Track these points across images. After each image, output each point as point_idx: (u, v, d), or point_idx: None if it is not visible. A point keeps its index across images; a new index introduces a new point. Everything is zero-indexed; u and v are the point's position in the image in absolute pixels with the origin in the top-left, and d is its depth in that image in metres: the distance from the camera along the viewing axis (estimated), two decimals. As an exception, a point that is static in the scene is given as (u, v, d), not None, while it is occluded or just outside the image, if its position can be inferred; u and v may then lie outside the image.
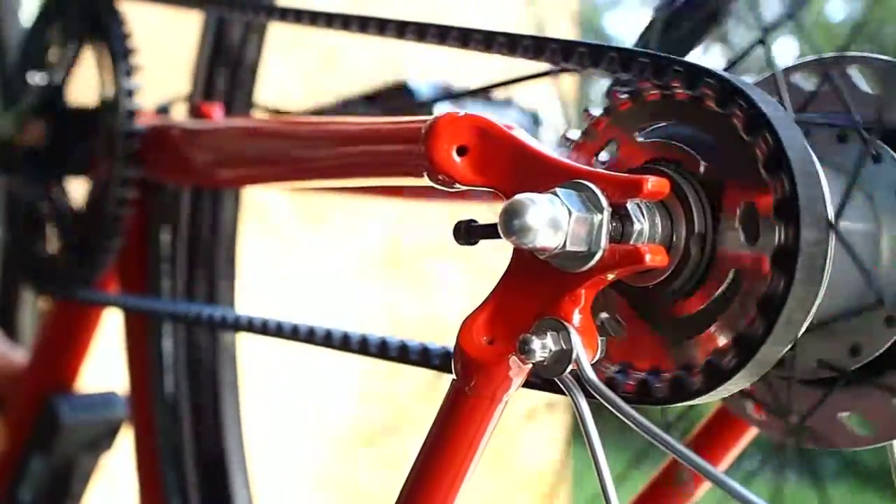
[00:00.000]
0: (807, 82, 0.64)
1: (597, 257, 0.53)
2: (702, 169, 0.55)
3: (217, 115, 0.99)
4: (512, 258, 0.57)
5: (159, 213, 1.03)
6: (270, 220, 2.07)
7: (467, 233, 0.57)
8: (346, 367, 2.25)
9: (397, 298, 2.35)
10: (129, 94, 0.95)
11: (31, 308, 1.42)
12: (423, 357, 0.67)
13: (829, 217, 0.53)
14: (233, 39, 1.05)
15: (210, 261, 1.06)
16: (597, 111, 0.60)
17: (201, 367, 1.06)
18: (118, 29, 0.97)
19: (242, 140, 0.85)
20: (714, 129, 0.55)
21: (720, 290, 0.55)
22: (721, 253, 0.55)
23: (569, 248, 0.53)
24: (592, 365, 0.54)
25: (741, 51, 0.67)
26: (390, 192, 1.02)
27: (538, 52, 0.62)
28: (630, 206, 0.54)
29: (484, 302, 0.57)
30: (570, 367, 0.54)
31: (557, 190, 0.53)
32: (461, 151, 0.57)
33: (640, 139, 0.58)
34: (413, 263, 2.38)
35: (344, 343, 0.72)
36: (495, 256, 0.59)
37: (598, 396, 0.54)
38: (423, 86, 0.88)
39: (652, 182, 0.53)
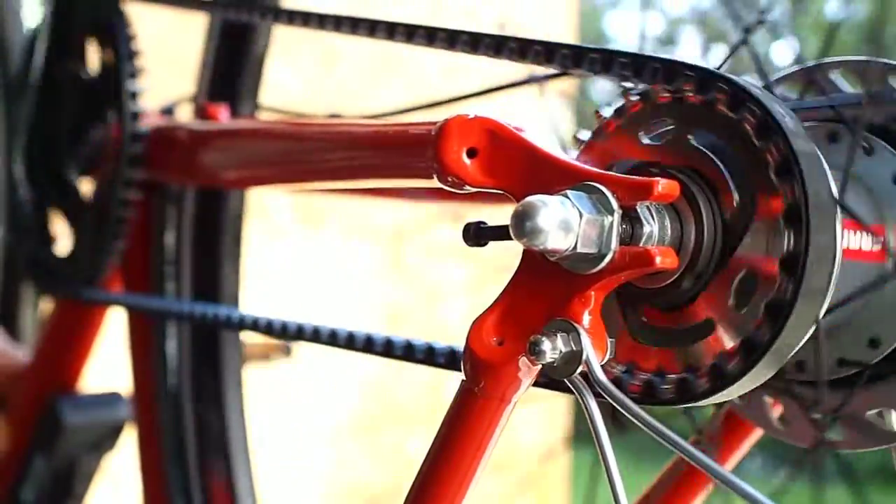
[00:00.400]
0: (792, 93, 0.64)
1: (607, 259, 0.53)
2: (712, 172, 0.55)
3: (222, 116, 0.99)
4: (522, 259, 0.57)
5: (164, 214, 1.03)
6: (274, 220, 2.07)
7: (477, 235, 0.58)
8: (348, 366, 2.25)
9: (397, 298, 2.35)
10: (134, 96, 0.95)
11: (33, 308, 1.42)
12: (429, 356, 0.68)
13: (833, 193, 0.53)
14: (238, 41, 1.05)
15: (214, 261, 1.06)
16: (608, 112, 0.60)
17: (205, 367, 1.06)
18: (124, 31, 0.97)
19: (248, 141, 0.85)
20: (725, 133, 0.55)
21: (728, 293, 0.55)
22: (730, 256, 0.55)
23: (579, 249, 0.53)
24: (602, 366, 0.55)
25: (726, 55, 0.67)
26: (397, 194, 1.02)
27: (523, 52, 0.63)
28: (640, 208, 0.54)
29: (494, 303, 0.57)
30: (580, 369, 0.54)
31: (568, 192, 0.54)
32: (471, 153, 0.58)
33: (650, 141, 0.58)
34: (414, 263, 2.38)
35: (349, 342, 0.72)
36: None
37: (607, 397, 0.54)
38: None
39: (662, 185, 0.53)
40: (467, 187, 0.58)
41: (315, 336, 0.75)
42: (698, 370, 0.55)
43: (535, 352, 0.54)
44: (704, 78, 0.56)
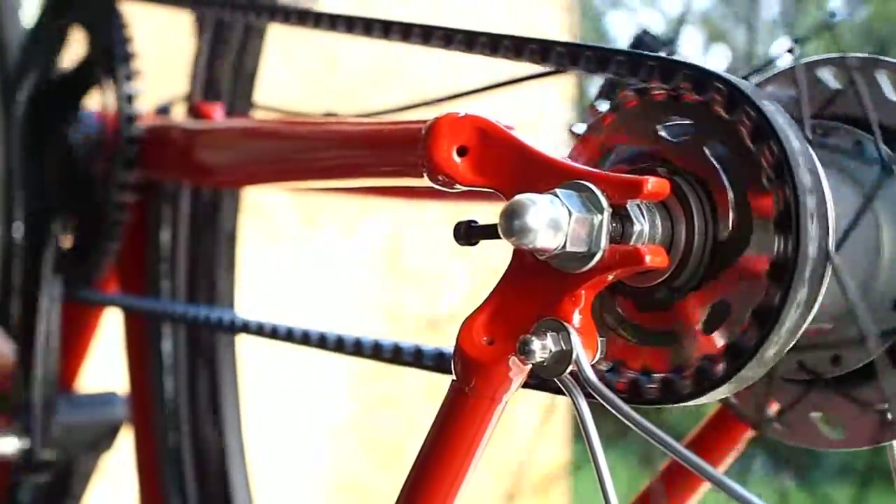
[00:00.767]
0: (832, 79, 0.63)
1: (597, 258, 0.53)
2: (704, 171, 0.55)
3: (217, 115, 0.99)
4: (512, 259, 0.57)
5: (159, 214, 1.03)
6: (270, 220, 2.07)
7: (467, 233, 0.57)
8: (346, 367, 2.25)
9: (397, 298, 2.35)
10: (129, 99, 0.95)
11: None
12: (417, 358, 0.68)
13: (830, 247, 0.53)
14: (232, 39, 1.04)
15: (210, 261, 1.06)
16: (603, 106, 0.60)
17: (201, 367, 1.06)
18: (119, 33, 0.97)
19: (242, 141, 0.85)
20: (719, 133, 0.55)
21: (718, 293, 0.55)
22: (721, 256, 0.54)
23: (569, 248, 0.53)
24: (593, 366, 0.54)
25: (807, 33, 0.67)
26: (390, 193, 1.02)
27: (518, 50, 0.62)
28: (630, 206, 0.54)
29: (484, 302, 0.57)
30: (570, 368, 0.54)
31: (557, 190, 0.53)
32: (461, 152, 0.57)
33: (644, 138, 0.58)
34: (413, 263, 2.38)
35: (338, 345, 0.72)
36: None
37: (598, 397, 0.54)
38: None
39: (652, 183, 0.53)
40: (458, 186, 0.58)
41: (305, 340, 0.75)
42: (684, 371, 0.55)
43: (524, 351, 0.54)
44: (701, 77, 0.55)
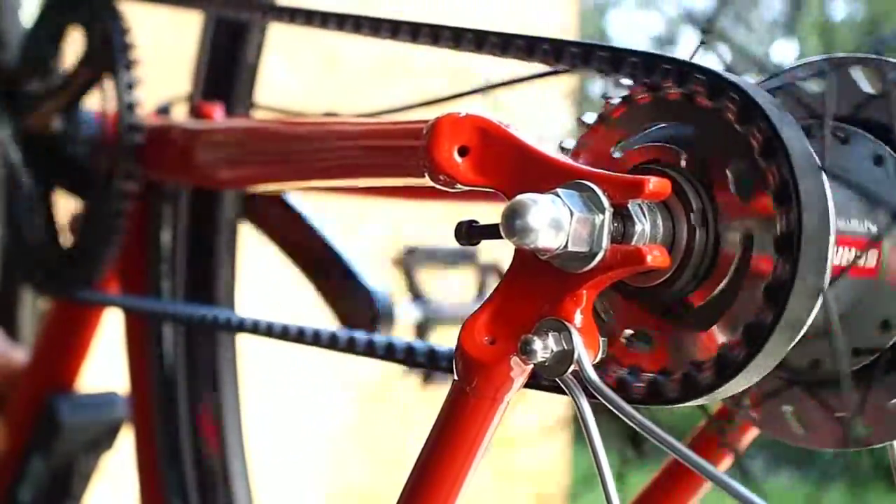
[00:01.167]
0: (864, 82, 0.60)
1: (598, 258, 0.53)
2: (701, 167, 0.55)
3: (217, 115, 0.99)
4: (513, 259, 0.57)
5: (159, 214, 1.03)
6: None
7: (468, 233, 0.57)
8: (346, 367, 2.25)
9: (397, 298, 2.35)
10: (130, 107, 0.95)
11: (32, 307, 1.42)
12: (409, 355, 0.68)
13: (823, 284, 0.52)
14: (233, 39, 1.04)
15: (210, 261, 1.06)
16: (590, 119, 0.60)
17: (201, 367, 1.06)
18: (119, 29, 0.97)
19: (242, 141, 0.85)
20: (709, 126, 0.55)
21: (724, 286, 0.55)
22: (724, 250, 0.54)
23: (570, 248, 0.53)
24: (595, 366, 0.54)
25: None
26: (391, 193, 1.02)
27: (530, 50, 0.62)
28: (631, 206, 0.54)
29: (485, 302, 0.57)
30: (571, 368, 0.54)
31: (559, 190, 0.53)
32: (462, 152, 0.57)
33: (636, 143, 0.58)
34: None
35: (336, 343, 0.72)
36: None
37: (599, 397, 0.54)
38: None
39: (653, 182, 0.53)
40: (459, 186, 0.58)
41: (299, 337, 0.75)
42: (701, 365, 0.55)
43: (526, 351, 0.54)
44: (680, 70, 0.55)
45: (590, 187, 0.54)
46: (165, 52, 1.20)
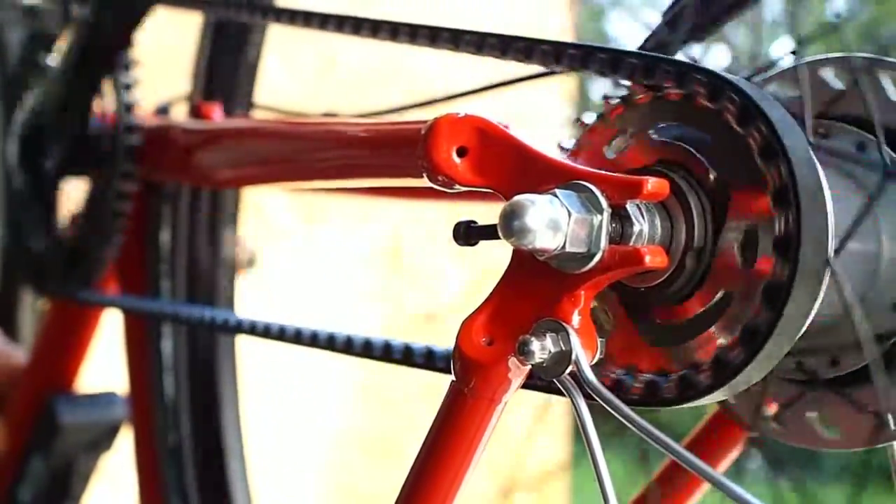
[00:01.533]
0: (835, 80, 0.62)
1: (596, 258, 0.53)
2: (699, 168, 0.55)
3: (217, 115, 0.99)
4: (511, 259, 0.57)
5: (159, 214, 1.03)
6: (270, 220, 2.07)
7: (467, 234, 0.57)
8: (346, 368, 2.25)
9: (397, 298, 2.35)
10: (129, 109, 0.95)
11: (31, 308, 1.42)
12: (407, 356, 0.68)
13: (829, 254, 0.52)
14: (233, 39, 1.04)
15: (209, 261, 1.06)
16: (589, 119, 0.60)
17: (201, 367, 1.06)
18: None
19: (241, 141, 0.85)
20: (708, 127, 0.55)
21: (722, 288, 0.55)
22: (722, 251, 0.54)
23: (568, 249, 0.53)
24: (593, 367, 0.54)
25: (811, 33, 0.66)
26: (391, 193, 1.02)
27: (529, 52, 0.62)
28: (630, 207, 0.54)
29: (483, 303, 0.57)
30: (569, 369, 0.54)
31: (557, 191, 0.53)
32: (461, 152, 0.57)
33: (635, 143, 0.58)
34: (413, 263, 2.38)
35: (331, 344, 0.73)
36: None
37: (597, 398, 0.54)
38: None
39: (652, 183, 0.53)
40: (457, 186, 0.58)
41: (298, 338, 0.75)
42: (699, 366, 0.55)
43: (524, 352, 0.54)
44: (680, 71, 0.55)
45: (588, 188, 0.54)
46: (165, 53, 1.20)
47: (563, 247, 0.53)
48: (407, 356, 0.68)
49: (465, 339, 0.57)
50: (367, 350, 0.70)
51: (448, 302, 2.35)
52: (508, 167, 0.56)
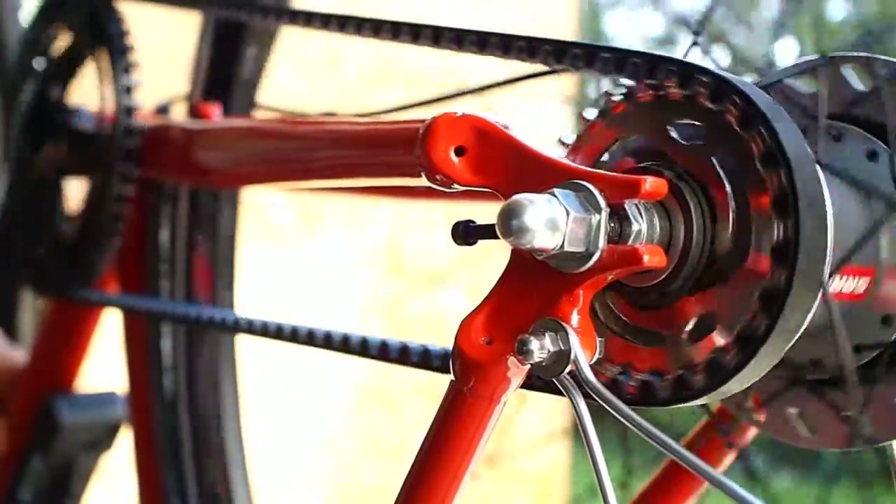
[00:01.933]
0: (856, 80, 0.61)
1: (595, 258, 0.53)
2: (699, 168, 0.55)
3: (216, 115, 0.99)
4: (510, 259, 0.57)
5: (159, 214, 1.03)
6: (270, 220, 2.07)
7: (465, 233, 0.57)
8: (346, 367, 2.25)
9: (397, 298, 2.35)
10: (129, 112, 0.95)
11: (31, 308, 1.42)
12: (407, 357, 0.68)
13: (825, 277, 0.52)
14: (232, 39, 1.04)
15: (209, 261, 1.06)
16: (591, 114, 0.60)
17: (201, 367, 1.06)
18: (117, 30, 0.97)
19: (241, 140, 0.85)
20: (709, 127, 0.55)
21: (720, 289, 0.54)
22: (720, 252, 0.54)
23: (567, 248, 0.53)
24: (591, 366, 0.54)
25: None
26: (389, 193, 1.02)
27: (532, 51, 0.62)
28: (628, 206, 0.54)
29: (482, 302, 0.57)
30: (568, 368, 0.54)
31: (555, 190, 0.53)
32: (459, 152, 0.57)
33: (636, 140, 0.58)
34: (413, 263, 2.38)
35: (328, 343, 0.73)
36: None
37: (596, 397, 0.54)
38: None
39: (650, 182, 0.53)
40: (455, 186, 0.58)
41: (309, 339, 0.75)
42: (694, 367, 0.55)
43: (523, 351, 0.54)
44: (684, 71, 0.55)
45: (586, 187, 0.54)
46: (165, 53, 1.20)
47: (562, 246, 0.53)
48: (404, 355, 0.68)
49: (465, 338, 0.57)
50: (363, 349, 0.70)
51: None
52: (507, 166, 0.56)
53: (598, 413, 0.54)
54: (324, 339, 0.73)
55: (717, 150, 0.55)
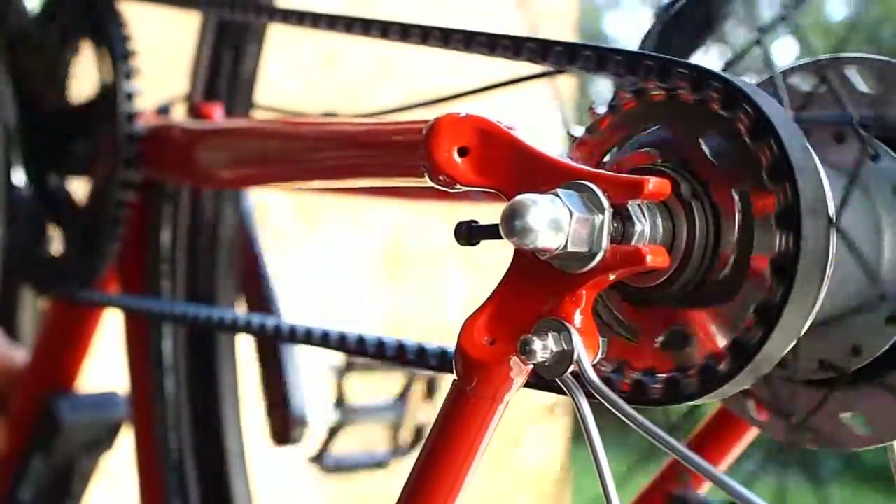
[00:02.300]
0: (804, 83, 0.64)
1: (598, 258, 0.53)
2: (704, 171, 0.55)
3: (217, 115, 0.99)
4: (513, 259, 0.57)
5: (159, 214, 1.03)
6: (270, 220, 2.07)
7: (468, 234, 0.57)
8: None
9: (397, 299, 2.35)
10: (129, 97, 0.95)
11: (32, 308, 1.42)
12: (420, 357, 0.68)
13: (831, 215, 0.53)
14: (232, 39, 1.04)
15: (210, 261, 1.06)
16: (602, 109, 0.60)
17: (201, 367, 1.06)
18: (118, 30, 0.97)
19: (242, 141, 0.85)
20: (718, 132, 0.55)
21: (723, 288, 0.54)
22: (722, 255, 0.54)
23: (570, 248, 0.53)
24: (595, 366, 0.54)
25: (738, 52, 0.66)
26: (391, 193, 1.02)
27: (542, 54, 0.62)
28: (631, 206, 0.54)
29: (485, 302, 0.57)
30: (571, 368, 0.54)
31: (559, 190, 0.53)
32: (462, 152, 0.57)
33: (640, 141, 0.58)
34: (413, 263, 2.38)
35: (326, 342, 0.73)
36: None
37: (599, 397, 0.54)
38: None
39: (653, 183, 0.53)
40: (458, 186, 0.58)
41: (307, 338, 0.75)
42: (688, 370, 0.55)
43: (526, 351, 0.54)
44: (698, 76, 0.55)
45: (589, 187, 0.54)
46: (165, 53, 1.20)
47: (565, 246, 0.53)
48: (400, 354, 0.68)
49: (467, 338, 0.56)
50: (361, 348, 0.70)
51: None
52: (510, 167, 0.56)
53: (597, 411, 0.54)
54: (321, 338, 0.73)
55: (724, 153, 0.55)
